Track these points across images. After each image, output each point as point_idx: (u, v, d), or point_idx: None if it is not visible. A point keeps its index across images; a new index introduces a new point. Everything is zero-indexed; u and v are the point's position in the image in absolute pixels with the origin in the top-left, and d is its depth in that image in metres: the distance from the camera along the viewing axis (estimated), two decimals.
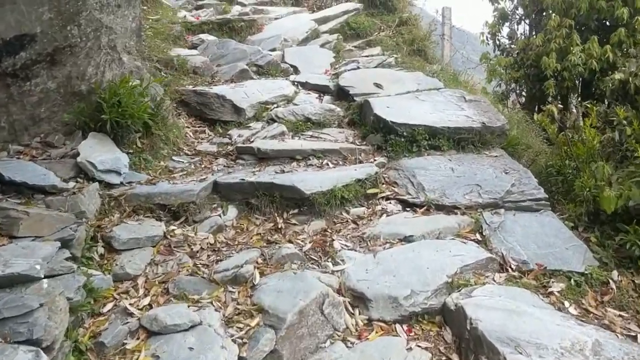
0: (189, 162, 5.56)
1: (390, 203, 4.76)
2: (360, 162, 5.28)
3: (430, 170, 4.98)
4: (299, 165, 5.27)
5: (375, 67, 7.40)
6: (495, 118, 5.53)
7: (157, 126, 5.68)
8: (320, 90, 7.01)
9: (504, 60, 8.02)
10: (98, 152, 4.91)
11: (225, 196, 4.86)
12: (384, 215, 4.60)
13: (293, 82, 7.26)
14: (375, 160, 5.31)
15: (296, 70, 7.78)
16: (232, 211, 4.76)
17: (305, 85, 7.15)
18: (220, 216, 4.68)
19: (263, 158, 5.40)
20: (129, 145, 5.43)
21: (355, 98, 6.36)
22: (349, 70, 7.32)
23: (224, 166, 5.45)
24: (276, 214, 4.66)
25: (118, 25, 5.81)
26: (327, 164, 5.25)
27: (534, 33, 8.53)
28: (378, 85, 6.47)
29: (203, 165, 5.51)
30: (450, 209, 4.49)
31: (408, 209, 4.64)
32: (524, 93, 8.80)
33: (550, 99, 7.24)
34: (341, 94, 6.66)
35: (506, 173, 4.81)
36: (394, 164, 5.22)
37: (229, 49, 8.14)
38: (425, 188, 4.73)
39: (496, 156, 5.21)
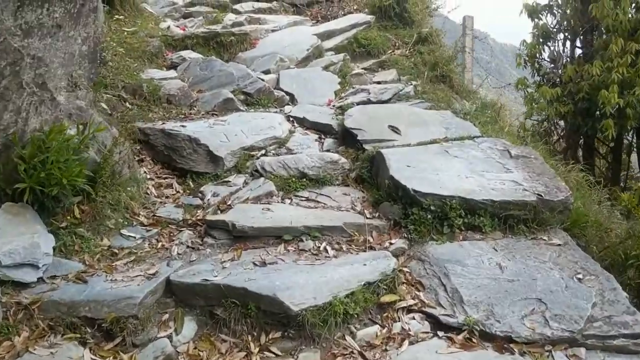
0: (142, 238, 4.13)
1: (413, 319, 3.32)
2: (371, 247, 3.83)
3: (468, 266, 3.53)
4: (287, 250, 3.82)
5: (390, 98, 5.94)
6: (554, 186, 4.06)
7: (103, 188, 4.27)
8: (321, 130, 5.56)
9: (549, 92, 6.50)
10: (8, 235, 3.51)
11: (182, 301, 3.46)
12: (406, 341, 3.15)
13: (288, 117, 5.82)
14: (391, 243, 3.87)
15: (293, 100, 6.34)
16: (189, 327, 3.34)
17: (303, 122, 5.71)
18: (171, 336, 3.26)
19: (240, 237, 3.97)
20: (62, 216, 4.03)
21: (364, 145, 4.91)
22: (357, 102, 5.87)
23: (188, 247, 4.01)
24: (250, 337, 3.23)
25: (58, 51, 4.40)
26: (326, 250, 3.81)
27: (580, 54, 7.03)
28: (394, 129, 5.01)
29: (160, 244, 4.07)
30: (502, 342, 3.03)
31: (440, 332, 3.20)
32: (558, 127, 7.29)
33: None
34: (347, 137, 5.21)
35: (580, 280, 3.35)
36: (417, 250, 3.78)
37: (213, 71, 6.70)
38: (463, 299, 3.28)
39: (559, 245, 3.74)
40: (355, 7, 9.24)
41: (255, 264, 3.60)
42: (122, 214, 4.34)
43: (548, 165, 4.39)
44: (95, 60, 5.41)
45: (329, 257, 3.72)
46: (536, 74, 7.27)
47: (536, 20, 7.20)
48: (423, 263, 3.63)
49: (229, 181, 4.79)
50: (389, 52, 7.48)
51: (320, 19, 9.33)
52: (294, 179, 4.68)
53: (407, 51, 7.36)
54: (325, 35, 7.64)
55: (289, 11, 10.02)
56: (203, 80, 6.61)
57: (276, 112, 6.08)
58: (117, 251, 3.92)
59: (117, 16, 8.08)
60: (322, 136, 5.47)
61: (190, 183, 4.92)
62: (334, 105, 6.00)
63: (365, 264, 3.53)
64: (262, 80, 6.44)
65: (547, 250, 3.66)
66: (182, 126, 5.34)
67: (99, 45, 5.66)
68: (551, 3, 7.15)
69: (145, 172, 5.09)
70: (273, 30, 8.37)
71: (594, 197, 4.73)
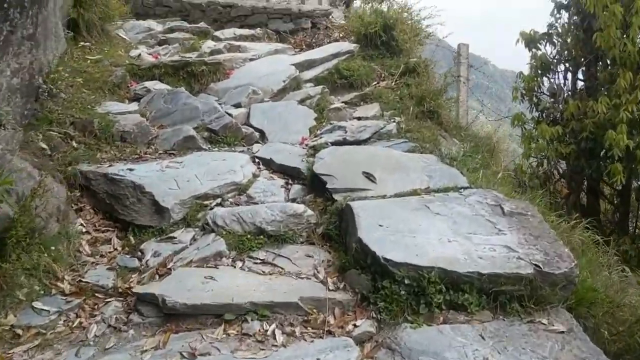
0: (58, 311, 3.40)
1: None
2: (330, 332, 3.09)
3: None
4: (227, 334, 3.08)
5: (369, 138, 5.24)
6: (554, 253, 3.32)
7: (17, 250, 3.55)
8: (289, 173, 4.86)
9: (549, 131, 5.76)
10: None
11: None
12: None
13: (254, 159, 5.12)
14: (356, 325, 3.13)
15: (263, 137, 5.64)
16: None
17: (270, 165, 5.01)
18: None
19: (171, 315, 3.23)
20: None
21: (334, 195, 4.19)
22: (332, 142, 5.17)
23: (110, 325, 3.27)
24: None
25: None
26: (274, 335, 3.06)
27: (583, 87, 6.31)
28: (369, 177, 4.29)
29: (77, 321, 3.34)
30: None
31: None
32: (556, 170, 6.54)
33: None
34: (316, 184, 4.49)
35: None
36: (387, 335, 3.03)
37: (177, 104, 6.03)
38: None
39: (562, 332, 2.98)
40: (341, 35, 8.62)
41: (182, 356, 2.86)
42: (40, 280, 3.61)
43: (547, 225, 3.64)
44: (31, 94, 4.76)
45: (276, 345, 2.97)
46: (534, 109, 6.56)
47: (534, 50, 6.51)
48: (393, 354, 2.89)
49: (175, 237, 4.07)
50: (374, 83, 6.80)
51: (304, 47, 8.70)
52: (249, 236, 3.96)
53: (393, 83, 6.68)
54: (305, 65, 6.97)
55: (272, 38, 9.41)
56: (166, 114, 5.93)
57: (242, 151, 5.39)
58: (21, 332, 3.19)
59: (82, 43, 7.43)
60: (290, 181, 4.76)
61: (132, 238, 4.20)
62: (306, 145, 5.30)
63: (318, 359, 2.78)
64: (230, 115, 5.75)
65: (547, 339, 2.91)
66: (129, 170, 4.64)
67: (41, 76, 5.02)
68: (550, 31, 6.47)
69: (82, 224, 4.38)
70: (251, 59, 7.71)
71: (603, 259, 3.98)
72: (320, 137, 5.36)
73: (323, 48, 7.52)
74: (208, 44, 8.68)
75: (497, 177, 4.71)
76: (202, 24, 9.93)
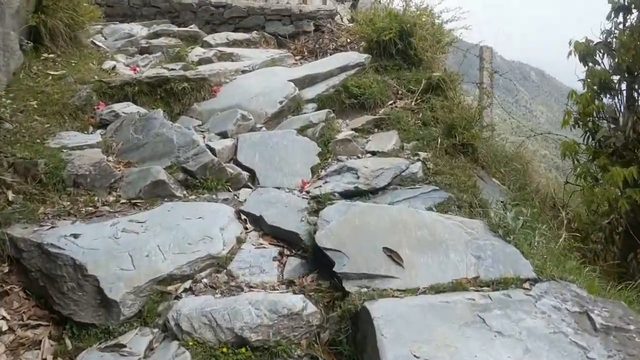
0: None
1: None
2: None
3: None
4: None
5: (388, 184, 4.00)
6: None
7: None
8: (285, 239, 3.64)
9: (619, 173, 4.43)
10: None
11: None
12: None
13: (239, 214, 3.90)
14: None
15: (253, 179, 4.43)
16: None
17: (260, 224, 3.80)
18: None
19: None
20: None
21: (345, 283, 2.98)
22: (340, 192, 3.94)
23: None
24: None
25: None
26: None
27: None
28: (393, 256, 3.07)
29: None
30: None
31: None
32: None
33: None
34: (320, 260, 3.28)
35: None
36: None
37: (149, 134, 4.83)
38: None
39: None
40: (348, 40, 7.38)
41: None
42: None
43: None
44: None
45: None
46: (589, 138, 5.26)
47: (590, 64, 5.22)
48: None
49: (124, 345, 2.87)
50: (389, 103, 5.57)
51: (306, 53, 7.47)
52: (225, 349, 2.76)
53: (413, 102, 5.44)
54: (306, 81, 5.74)
55: (270, 43, 8.17)
56: (135, 147, 4.74)
57: (226, 199, 4.18)
58: None
59: (46, 55, 6.24)
60: (285, 251, 3.55)
61: (68, 342, 3.01)
62: (307, 192, 4.08)
63: None
64: (212, 150, 4.54)
65: None
66: (73, 237, 3.45)
67: None
68: (609, 40, 5.19)
69: (4, 316, 3.19)
70: (244, 71, 6.49)
71: None
72: (325, 182, 4.14)
73: (328, 60, 6.27)
74: (196, 52, 7.48)
75: (559, 241, 3.48)
76: (192, 27, 8.72)
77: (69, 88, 5.61)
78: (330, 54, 7.24)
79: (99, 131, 5.18)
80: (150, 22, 9.38)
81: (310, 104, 5.49)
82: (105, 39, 8.16)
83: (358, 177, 4.02)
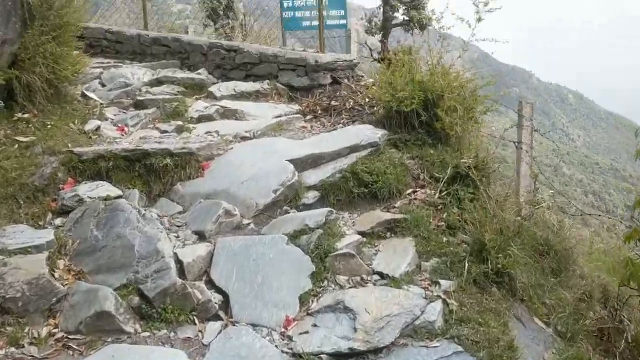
0: None
1: None
2: None
3: None
4: None
5: (396, 339, 2.97)
6: None
7: None
8: None
9: None
10: None
11: None
12: None
13: None
14: None
15: (226, 307, 3.45)
16: None
17: None
18: None
19: None
20: None
21: None
22: (329, 352, 2.92)
23: None
24: None
25: None
26: None
27: None
28: None
29: None
30: None
31: None
32: None
33: None
34: None
35: None
36: None
37: (111, 233, 3.92)
38: None
39: None
40: (367, 100, 6.37)
41: None
42: None
43: None
44: None
45: None
46: None
47: None
48: None
49: None
50: (408, 192, 4.55)
51: (319, 111, 6.51)
52: None
53: (437, 195, 4.41)
54: (309, 162, 4.75)
55: (282, 95, 7.24)
56: (92, 250, 3.84)
57: (187, 339, 3.22)
58: None
59: (20, 115, 5.40)
60: None
61: None
62: (290, 339, 3.08)
63: None
64: (180, 263, 3.59)
65: None
66: None
67: None
68: None
69: None
70: (244, 138, 5.56)
71: None
72: (315, 325, 3.14)
73: (337, 135, 5.24)
74: (197, 106, 6.60)
75: None
76: (199, 73, 7.90)
77: (34, 162, 4.75)
78: (346, 116, 6.28)
79: (58, 221, 4.30)
80: (159, 64, 8.60)
81: (312, 192, 4.50)
82: (104, 85, 7.37)
83: (356, 330, 3.00)
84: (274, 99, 7.25)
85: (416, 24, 15.96)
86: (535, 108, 8.61)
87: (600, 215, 5.60)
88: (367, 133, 4.95)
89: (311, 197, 4.46)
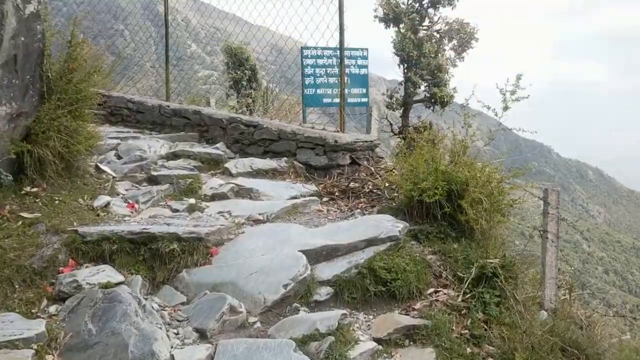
0: None
1: None
2: None
3: None
4: None
5: None
6: None
7: None
8: None
9: None
10: None
11: None
12: None
13: None
14: None
15: None
16: None
17: None
18: None
19: None
20: None
21: None
22: None
23: None
24: None
25: None
26: None
27: None
28: None
29: None
30: None
31: None
32: None
33: None
34: None
35: None
36: None
37: (105, 328, 3.63)
38: None
39: None
40: (387, 184, 6.11)
41: None
42: None
43: None
44: None
45: None
46: None
47: None
48: None
49: None
50: (429, 292, 4.21)
51: (336, 193, 6.26)
52: None
53: (460, 298, 4.05)
54: (324, 254, 4.44)
55: (300, 174, 7.03)
56: (83, 347, 3.56)
57: None
58: None
59: (28, 188, 5.22)
60: None
61: None
62: None
63: None
64: None
65: None
66: None
67: None
68: None
69: None
70: (256, 221, 5.30)
71: None
72: None
73: (354, 224, 4.93)
74: (212, 183, 6.39)
75: None
76: (217, 147, 7.75)
77: (35, 241, 4.51)
78: (364, 200, 6.02)
79: (52, 308, 4.01)
80: (177, 135, 8.52)
81: (325, 287, 4.17)
82: (120, 157, 7.23)
83: None
84: (291, 178, 7.03)
85: (437, 101, 15.92)
86: (554, 184, 8.23)
87: (635, 319, 5.15)
88: (387, 225, 4.65)
89: (324, 293, 4.12)
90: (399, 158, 5.90)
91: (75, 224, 4.89)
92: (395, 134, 15.91)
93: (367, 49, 9.44)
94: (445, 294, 4.13)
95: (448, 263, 4.45)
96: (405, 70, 16.57)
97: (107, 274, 4.28)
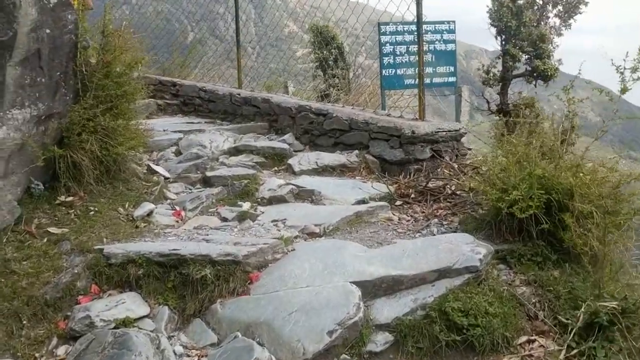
0: None
1: None
2: None
3: None
4: None
5: None
6: None
7: None
8: None
9: None
10: None
11: None
12: None
13: None
14: None
15: None
16: None
17: None
18: None
19: None
20: None
21: None
22: None
23: None
24: None
25: None
26: None
27: None
28: None
29: None
30: None
31: None
32: None
33: None
34: None
35: None
36: None
37: None
38: None
39: None
40: (471, 185, 5.00)
41: None
42: None
43: None
44: None
45: None
46: None
47: None
48: None
49: None
50: (520, 343, 3.16)
51: (412, 195, 5.26)
52: None
53: (563, 354, 2.97)
54: (383, 287, 3.48)
55: (372, 170, 6.11)
56: None
57: None
58: None
59: (63, 197, 4.67)
60: None
61: None
62: None
63: None
64: None
65: None
66: None
67: None
68: None
69: None
70: (311, 234, 4.45)
71: None
72: None
73: (424, 244, 3.87)
74: (270, 184, 5.60)
75: None
76: (284, 139, 6.99)
77: (55, 264, 3.92)
78: (445, 204, 4.97)
79: (61, 349, 3.43)
80: (246, 126, 7.83)
81: (382, 334, 3.22)
82: (180, 153, 6.59)
83: None
84: (362, 174, 6.09)
85: (540, 75, 14.18)
86: None
87: None
88: (464, 250, 3.58)
89: (381, 341, 3.19)
90: (490, 151, 4.77)
91: (105, 240, 4.27)
92: (493, 113, 14.40)
93: (454, 22, 8.19)
94: (542, 345, 3.06)
95: (546, 300, 3.35)
96: (503, 42, 14.91)
97: (127, 306, 3.60)
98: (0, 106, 4.08)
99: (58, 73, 4.64)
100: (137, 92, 5.21)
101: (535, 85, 14.71)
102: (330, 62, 17.51)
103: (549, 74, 14.29)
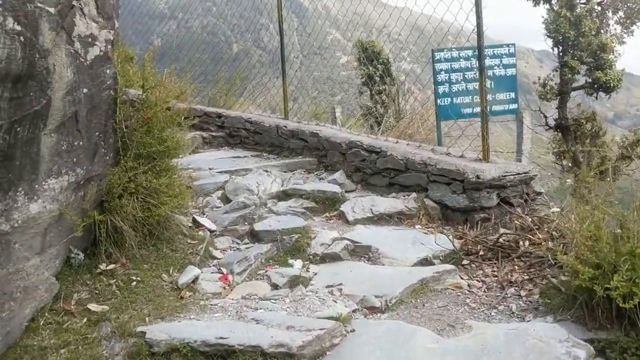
0: None
1: None
2: None
3: None
4: None
5: None
6: None
7: None
8: None
9: None
10: None
11: None
12: None
13: None
14: None
15: None
16: None
17: None
18: None
19: None
20: None
21: None
22: None
23: None
24: None
25: None
26: None
27: None
28: None
29: None
30: None
31: None
32: None
33: None
34: None
35: None
36: None
37: None
38: None
39: None
40: (550, 244, 4.43)
41: None
42: None
43: None
44: None
45: None
46: None
47: None
48: None
49: None
50: None
51: (481, 253, 4.76)
52: None
53: None
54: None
55: (433, 217, 5.62)
56: None
57: None
58: None
59: (104, 266, 4.35)
60: None
61: None
62: None
63: None
64: None
65: None
66: None
67: None
68: None
69: None
70: (370, 309, 3.98)
71: None
72: None
73: (508, 339, 3.31)
74: (323, 237, 5.19)
75: None
76: (334, 179, 6.59)
77: (93, 353, 3.56)
78: (518, 265, 4.42)
79: None
80: (294, 162, 7.44)
81: None
82: (227, 198, 6.23)
83: None
84: (421, 222, 5.58)
85: (601, 86, 13.29)
86: None
87: None
88: (559, 352, 2.98)
89: None
90: (568, 218, 4.19)
91: (147, 318, 3.89)
92: (551, 128, 13.59)
93: (513, 45, 7.57)
94: None
95: None
96: (561, 54, 14.08)
97: None
98: (35, 178, 3.76)
99: (97, 133, 4.32)
100: (180, 147, 4.85)
101: (596, 98, 13.83)
102: (376, 79, 17.06)
103: (612, 85, 13.39)
